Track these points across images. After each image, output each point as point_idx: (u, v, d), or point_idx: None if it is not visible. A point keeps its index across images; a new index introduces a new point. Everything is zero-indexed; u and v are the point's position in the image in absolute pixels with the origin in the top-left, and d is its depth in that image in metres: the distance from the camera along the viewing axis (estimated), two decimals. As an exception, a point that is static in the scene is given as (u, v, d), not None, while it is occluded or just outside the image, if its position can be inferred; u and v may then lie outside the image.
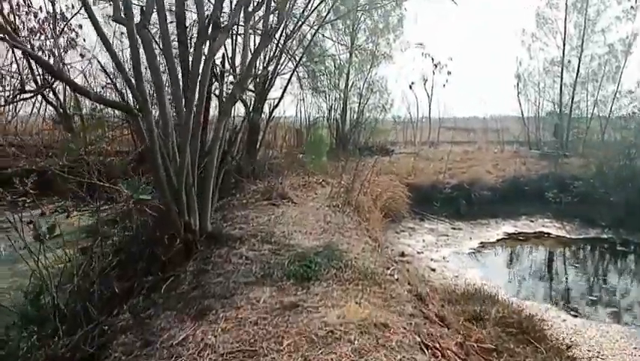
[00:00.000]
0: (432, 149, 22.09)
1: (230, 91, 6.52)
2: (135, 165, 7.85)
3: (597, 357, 5.73)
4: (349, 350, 3.08)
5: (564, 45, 20.04)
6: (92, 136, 10.39)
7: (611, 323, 6.94)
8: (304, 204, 8.40)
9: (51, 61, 5.60)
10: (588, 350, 5.88)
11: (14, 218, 4.54)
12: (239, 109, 11.49)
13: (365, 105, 19.45)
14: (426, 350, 3.39)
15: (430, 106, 27.14)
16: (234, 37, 9.83)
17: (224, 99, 6.19)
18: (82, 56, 11.70)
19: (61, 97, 13.12)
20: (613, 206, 13.06)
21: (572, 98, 20.10)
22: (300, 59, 13.12)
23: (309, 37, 13.36)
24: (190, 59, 5.98)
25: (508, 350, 4.48)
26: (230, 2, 8.08)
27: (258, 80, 10.75)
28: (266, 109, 12.07)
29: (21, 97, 6.81)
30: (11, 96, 7.20)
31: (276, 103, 12.50)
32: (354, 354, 3.06)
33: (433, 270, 8.73)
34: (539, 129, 21.93)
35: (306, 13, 11.20)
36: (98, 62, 8.12)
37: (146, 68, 5.66)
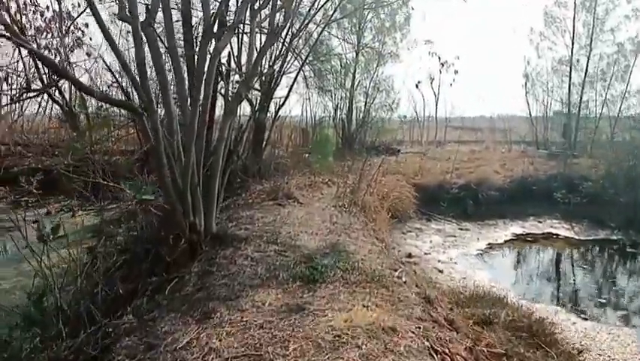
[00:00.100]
0: (439, 148, 21.96)
1: (235, 90, 6.46)
2: (141, 165, 7.83)
3: (609, 362, 5.64)
4: (357, 356, 3.01)
5: (573, 44, 19.86)
6: (98, 135, 10.39)
7: (621, 326, 6.83)
8: (310, 205, 8.33)
9: (57, 59, 5.56)
10: (599, 355, 5.77)
11: (17, 218, 4.49)
12: (244, 108, 11.43)
13: (371, 104, 19.37)
14: (435, 355, 3.32)
15: (436, 105, 27.02)
16: (240, 36, 9.77)
17: (229, 98, 6.12)
18: (88, 54, 11.71)
19: (67, 96, 13.15)
20: (622, 207, 12.91)
21: (581, 98, 19.90)
22: (306, 58, 13.02)
23: (315, 35, 13.28)
24: (195, 57, 5.93)
25: (519, 355, 4.39)
26: (237, 0, 8.01)
27: (263, 78, 10.68)
28: (272, 108, 12.01)
29: (27, 95, 6.80)
30: (17, 95, 7.19)
31: (282, 102, 12.44)
32: (362, 360, 2.99)
33: (441, 271, 8.63)
34: (547, 129, 21.73)
35: (312, 12, 11.12)
36: (103, 60, 8.09)
37: (151, 67, 5.61)
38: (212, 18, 5.51)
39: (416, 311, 4.00)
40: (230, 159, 7.15)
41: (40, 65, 8.36)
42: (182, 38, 7.16)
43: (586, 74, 19.65)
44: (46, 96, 14.82)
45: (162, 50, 5.57)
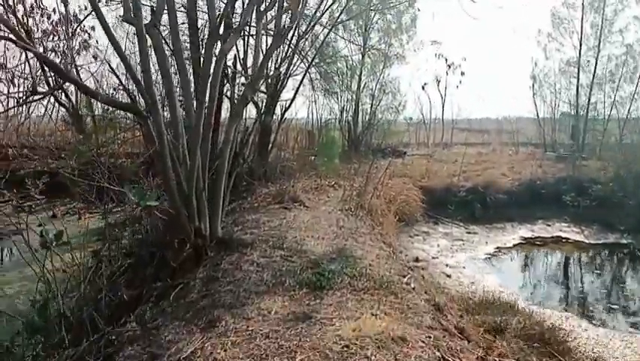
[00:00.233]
0: (445, 150, 21.81)
1: (241, 92, 6.39)
2: (146, 168, 7.77)
3: (623, 371, 5.52)
4: (366, 367, 2.92)
5: (581, 45, 19.66)
6: (104, 138, 10.37)
7: (634, 332, 6.71)
8: (316, 208, 8.24)
9: (63, 62, 5.53)
10: (613, 363, 5.65)
11: (19, 222, 4.44)
12: (250, 111, 11.37)
13: (377, 107, 19.28)
14: (446, 366, 3.22)
15: (443, 107, 26.89)
16: (246, 38, 9.72)
17: (235, 101, 6.05)
18: (95, 57, 11.69)
19: (73, 98, 13.14)
20: (632, 210, 12.72)
21: (589, 100, 19.68)
22: (313, 60, 12.95)
23: (321, 37, 13.21)
24: (201, 60, 5.87)
25: (531, 365, 4.28)
26: (243, 2, 7.95)
27: (269, 81, 10.62)
28: (278, 111, 11.94)
29: (33, 98, 6.77)
30: (24, 97, 7.16)
31: (288, 104, 12.36)
32: (371, 372, 2.89)
33: (449, 276, 8.52)
34: (555, 131, 21.52)
35: (318, 14, 11.05)
36: (108, 63, 8.05)
37: (156, 70, 5.56)
38: (218, 20, 5.44)
39: (426, 320, 3.90)
40: (235, 162, 7.09)
41: (46, 68, 8.34)
42: (187, 41, 7.11)
43: (594, 75, 19.44)
44: (52, 99, 14.83)
45: (167, 53, 5.51)
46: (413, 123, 25.70)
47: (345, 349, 3.12)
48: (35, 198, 4.91)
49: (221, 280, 4.50)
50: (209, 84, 5.26)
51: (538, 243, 11.54)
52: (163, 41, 5.23)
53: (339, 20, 13.54)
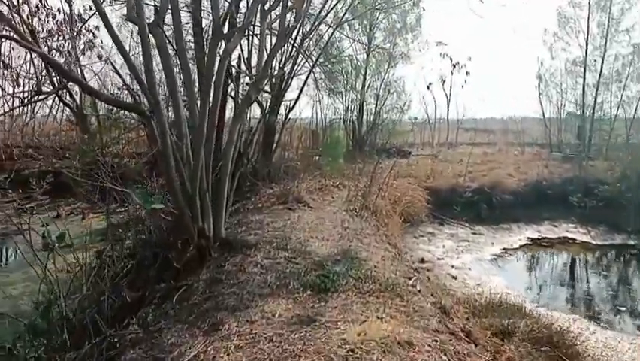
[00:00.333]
0: (450, 150, 21.71)
1: (245, 92, 6.34)
2: (150, 168, 7.75)
3: (634, 376, 5.44)
4: (372, 373, 2.86)
5: (587, 45, 19.48)
6: (108, 137, 10.36)
7: (642, 335, 6.61)
8: (321, 209, 8.18)
9: (67, 62, 5.50)
10: (623, 368, 5.57)
11: (21, 223, 4.41)
12: (254, 110, 11.35)
13: (382, 106, 19.21)
14: (454, 372, 3.16)
15: (448, 107, 26.78)
16: (250, 38, 9.67)
17: (239, 101, 6.01)
18: (99, 57, 11.70)
19: (77, 98, 13.16)
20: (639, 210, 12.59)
21: (595, 99, 19.52)
22: (317, 60, 12.89)
23: (326, 37, 13.15)
24: (205, 59, 5.82)
25: (539, 369, 4.20)
26: (247, 1, 7.90)
27: (274, 80, 10.57)
28: (282, 110, 11.91)
29: (37, 98, 6.74)
30: (29, 97, 7.14)
31: (292, 104, 12.32)
32: (377, 377, 2.83)
33: (455, 278, 8.44)
34: (561, 131, 21.38)
35: (323, 13, 11.00)
36: (111, 63, 8.03)
37: (160, 70, 5.52)
38: (222, 19, 5.40)
39: (432, 323, 3.83)
40: (239, 163, 7.03)
41: (50, 68, 8.34)
42: (191, 40, 7.07)
43: (600, 75, 19.28)
44: (56, 99, 14.87)
45: (171, 52, 5.47)
46: (418, 123, 25.56)
47: (350, 353, 3.05)
48: (38, 199, 4.87)
49: (225, 282, 4.44)
50: (212, 84, 5.21)
51: (544, 244, 11.44)
52: (167, 41, 5.19)
53: (343, 19, 13.48)
